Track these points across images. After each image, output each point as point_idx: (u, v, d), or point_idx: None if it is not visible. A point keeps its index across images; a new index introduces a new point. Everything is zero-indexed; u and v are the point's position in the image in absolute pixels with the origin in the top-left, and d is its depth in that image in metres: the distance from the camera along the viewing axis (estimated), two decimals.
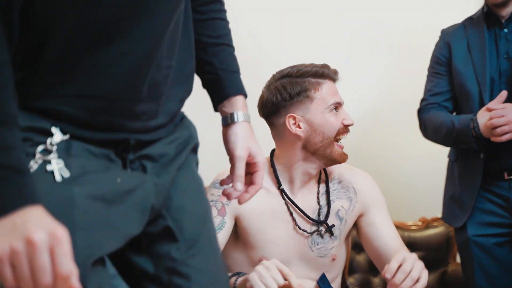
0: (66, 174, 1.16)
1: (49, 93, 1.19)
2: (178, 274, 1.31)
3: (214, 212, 1.95)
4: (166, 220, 1.32)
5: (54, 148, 1.16)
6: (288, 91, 1.99)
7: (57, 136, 1.17)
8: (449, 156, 2.60)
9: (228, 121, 1.43)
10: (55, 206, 1.08)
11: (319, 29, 3.25)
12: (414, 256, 1.84)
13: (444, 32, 2.61)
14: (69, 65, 1.17)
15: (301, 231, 2.01)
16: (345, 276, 2.23)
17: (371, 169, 3.27)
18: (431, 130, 2.53)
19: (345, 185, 2.09)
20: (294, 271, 1.90)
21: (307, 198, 2.03)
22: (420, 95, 2.63)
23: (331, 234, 2.01)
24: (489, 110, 2.29)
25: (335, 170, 2.10)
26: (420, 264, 1.81)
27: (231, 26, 1.51)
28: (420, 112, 2.60)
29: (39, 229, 0.98)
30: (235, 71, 1.46)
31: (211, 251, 1.38)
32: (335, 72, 2.04)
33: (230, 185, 1.42)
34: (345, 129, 2.01)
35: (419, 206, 3.25)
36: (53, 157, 1.15)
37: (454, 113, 2.56)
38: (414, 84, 2.85)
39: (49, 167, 1.14)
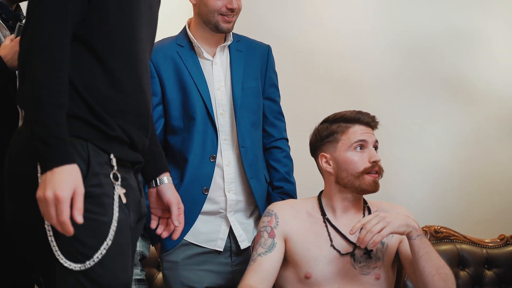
0: (124, 200, 1.60)
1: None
2: None
3: (265, 235, 2.23)
4: None
5: (119, 175, 1.60)
6: (321, 133, 2.33)
7: (114, 162, 1.60)
8: None
9: (161, 182, 1.89)
10: (121, 225, 1.56)
11: None
12: (379, 214, 2.09)
13: None
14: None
15: (335, 251, 2.22)
16: None
17: (451, 187, 3.43)
18: None
19: None
20: (340, 286, 2.16)
21: (352, 224, 2.20)
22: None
23: (369, 257, 2.21)
24: None
25: (376, 204, 2.35)
26: (383, 219, 2.06)
27: None
28: None
29: (65, 188, 1.44)
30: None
31: None
32: (369, 118, 2.31)
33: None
34: (373, 165, 2.24)
35: (499, 223, 3.32)
36: (118, 183, 1.60)
37: None
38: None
39: (116, 192, 1.59)
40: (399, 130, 3.45)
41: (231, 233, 2.49)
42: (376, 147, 2.29)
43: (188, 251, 2.45)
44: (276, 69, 2.67)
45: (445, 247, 3.10)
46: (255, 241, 2.29)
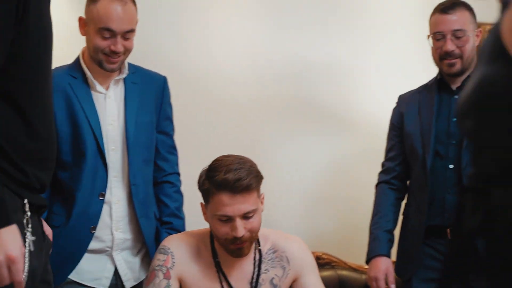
0: (32, 248, 1.58)
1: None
2: None
3: (160, 275, 2.17)
4: None
5: (30, 223, 1.58)
6: (199, 182, 2.21)
7: (27, 208, 1.58)
8: (403, 213, 2.83)
9: None
10: (32, 274, 1.55)
11: None
12: None
13: (400, 98, 2.87)
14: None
15: None
16: None
17: (331, 214, 3.54)
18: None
19: (279, 255, 2.27)
20: None
21: (244, 268, 2.23)
22: None
23: None
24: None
25: (269, 239, 2.29)
26: None
27: None
28: (376, 185, 2.89)
29: (16, 247, 1.46)
30: None
31: None
32: (238, 185, 2.08)
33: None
34: (234, 240, 2.12)
35: None
36: (30, 229, 1.58)
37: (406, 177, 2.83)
38: None
39: (28, 239, 1.57)
40: (281, 157, 3.51)
41: (116, 271, 2.45)
42: (248, 216, 2.13)
43: None
44: (172, 98, 2.66)
45: (326, 273, 3.21)
46: (148, 279, 2.22)
